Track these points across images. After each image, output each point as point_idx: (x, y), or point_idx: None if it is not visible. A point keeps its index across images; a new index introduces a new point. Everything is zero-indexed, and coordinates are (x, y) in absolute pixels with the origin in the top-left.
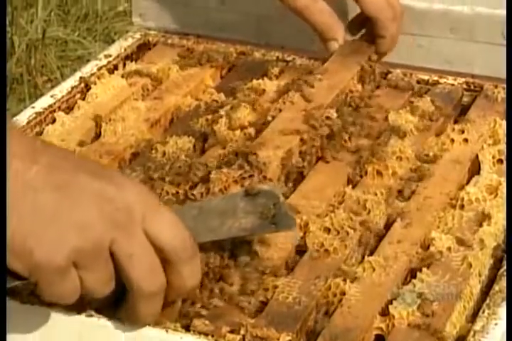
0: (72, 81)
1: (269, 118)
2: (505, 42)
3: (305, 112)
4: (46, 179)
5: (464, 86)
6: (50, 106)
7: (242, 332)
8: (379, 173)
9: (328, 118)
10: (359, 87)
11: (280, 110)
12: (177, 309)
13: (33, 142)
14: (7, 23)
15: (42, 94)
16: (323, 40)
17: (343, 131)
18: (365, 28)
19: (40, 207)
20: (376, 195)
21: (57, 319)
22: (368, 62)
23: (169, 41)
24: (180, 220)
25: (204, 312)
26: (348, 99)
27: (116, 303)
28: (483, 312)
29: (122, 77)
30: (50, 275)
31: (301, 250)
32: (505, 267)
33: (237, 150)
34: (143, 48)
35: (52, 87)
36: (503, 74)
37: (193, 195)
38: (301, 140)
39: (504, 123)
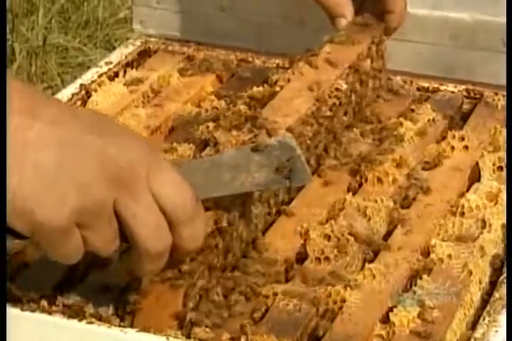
0: (72, 88)
1: (278, 88)
2: (505, 49)
3: (314, 83)
4: (48, 137)
5: (464, 93)
6: None
7: (243, 339)
8: (379, 180)
9: (337, 89)
10: (368, 62)
11: (289, 80)
12: (183, 268)
13: (35, 96)
14: (8, 30)
15: None
16: (331, 17)
17: (343, 137)
18: (372, 4)
19: (41, 166)
20: (376, 202)
21: (58, 326)
22: (377, 39)
23: (170, 48)
24: (190, 175)
25: (205, 319)
26: (357, 74)
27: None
28: (484, 319)
29: (124, 84)
30: (52, 235)
31: (301, 257)
32: (505, 274)
33: (246, 115)
34: (143, 55)
35: (53, 93)
36: (504, 82)
37: (201, 157)
38: (310, 110)
39: (504, 130)
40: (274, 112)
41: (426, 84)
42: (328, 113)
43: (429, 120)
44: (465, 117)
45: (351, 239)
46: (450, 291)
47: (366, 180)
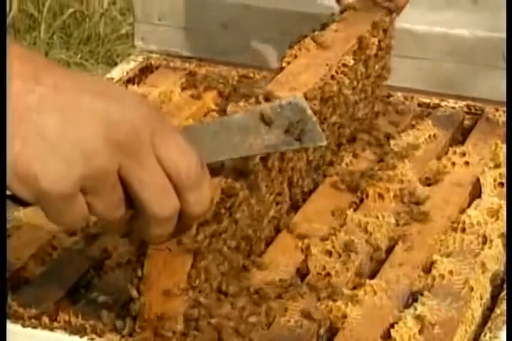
0: None
1: (284, 64)
2: (505, 65)
3: (321, 59)
4: (50, 101)
5: (465, 109)
6: None
7: None
8: (380, 196)
9: (344, 65)
10: (375, 39)
11: (295, 56)
12: (191, 232)
13: (37, 61)
14: None
15: None
16: None
17: (344, 154)
18: None
19: (43, 132)
20: (377, 217)
21: None
22: (384, 16)
23: (171, 64)
24: (197, 139)
25: (206, 335)
26: (364, 50)
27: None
28: (485, 335)
29: None
30: (57, 202)
31: (303, 273)
32: (505, 290)
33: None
34: (145, 71)
35: None
36: (504, 98)
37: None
38: (317, 85)
39: (505, 146)
40: (281, 85)
41: (427, 100)
42: (335, 87)
43: (430, 136)
44: (466, 133)
45: (352, 254)
46: (451, 307)
47: (367, 195)
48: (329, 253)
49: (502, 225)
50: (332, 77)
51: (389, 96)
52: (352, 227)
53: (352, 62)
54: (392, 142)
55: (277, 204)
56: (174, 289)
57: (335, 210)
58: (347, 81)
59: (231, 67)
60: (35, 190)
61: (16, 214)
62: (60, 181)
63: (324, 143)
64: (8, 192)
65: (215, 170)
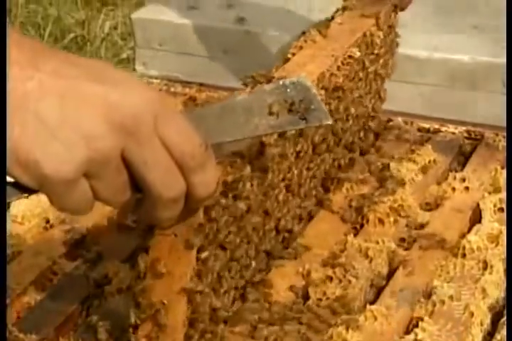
0: None
1: (290, 55)
2: (505, 90)
3: (327, 50)
4: (49, 87)
5: (465, 134)
6: None
7: None
8: (380, 221)
9: (350, 56)
10: (380, 33)
11: (301, 47)
12: (197, 217)
13: (35, 47)
14: None
15: None
16: None
17: (346, 181)
18: None
19: (43, 117)
20: (378, 243)
21: None
22: (389, 11)
23: (172, 89)
24: (201, 121)
25: None
26: (369, 42)
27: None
28: None
29: None
30: (60, 188)
31: (303, 298)
32: (506, 316)
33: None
34: None
35: None
36: (504, 123)
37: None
38: (323, 74)
39: (505, 171)
40: (288, 74)
41: (427, 125)
42: (341, 79)
43: (430, 161)
44: (466, 158)
45: (353, 280)
46: (452, 333)
47: (367, 221)
48: (330, 279)
49: (502, 251)
50: (338, 68)
51: (389, 120)
52: (352, 252)
53: (358, 54)
54: (392, 167)
55: (287, 190)
56: (180, 273)
57: (335, 235)
58: (353, 72)
59: (231, 92)
60: (38, 175)
61: (16, 240)
62: (62, 166)
63: (330, 121)
64: (10, 179)
65: (220, 151)
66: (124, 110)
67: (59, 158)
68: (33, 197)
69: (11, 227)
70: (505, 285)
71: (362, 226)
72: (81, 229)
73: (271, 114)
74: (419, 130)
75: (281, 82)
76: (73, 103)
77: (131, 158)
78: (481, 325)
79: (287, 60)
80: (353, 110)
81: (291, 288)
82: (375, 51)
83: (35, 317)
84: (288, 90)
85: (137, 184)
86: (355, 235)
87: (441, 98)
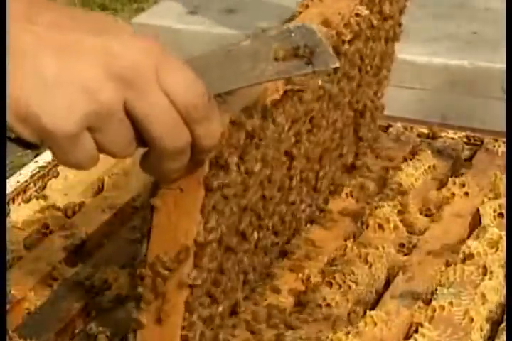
0: None
1: (296, 13)
2: (505, 96)
3: (334, 8)
4: (47, 40)
5: (465, 139)
6: (54, 160)
7: None
8: (380, 227)
9: (357, 15)
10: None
11: (307, 6)
12: (204, 168)
13: (33, 1)
14: None
15: None
16: None
17: (345, 186)
18: None
19: (42, 71)
20: (378, 248)
21: None
22: None
23: None
24: (205, 69)
25: None
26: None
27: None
28: None
29: None
30: (62, 142)
31: (303, 303)
32: (505, 321)
33: None
34: None
35: None
36: (503, 128)
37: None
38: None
39: (505, 177)
40: None
41: (426, 131)
42: (349, 36)
43: (429, 166)
44: (465, 164)
45: (353, 285)
46: (452, 339)
47: (367, 226)
48: (330, 284)
49: (502, 256)
50: (345, 25)
51: (388, 126)
52: (352, 258)
53: (365, 12)
54: (391, 172)
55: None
56: (187, 229)
57: (335, 241)
58: (360, 31)
59: None
60: (39, 130)
61: (16, 246)
62: (65, 121)
63: (337, 64)
64: (12, 135)
65: (224, 100)
66: (123, 61)
67: (59, 113)
68: (33, 203)
69: (11, 233)
70: (505, 290)
71: (362, 231)
72: (81, 235)
73: (276, 59)
74: (419, 135)
75: (285, 27)
76: (72, 56)
77: (133, 111)
78: (481, 330)
79: (293, 17)
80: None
81: (291, 293)
82: (383, 10)
83: (35, 323)
84: (292, 35)
85: (142, 136)
86: (354, 241)
87: (440, 103)
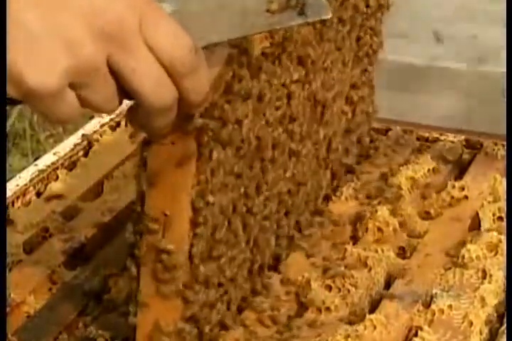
0: (74, 138)
1: None
2: (504, 99)
3: None
4: None
5: (464, 143)
6: (53, 163)
7: None
8: (380, 230)
9: None
10: None
11: None
12: (193, 124)
13: None
14: None
15: (44, 149)
16: None
17: (343, 188)
18: None
19: (26, 28)
20: (377, 252)
21: None
22: None
23: None
24: (193, 20)
25: None
26: None
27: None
28: None
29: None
30: (45, 99)
31: (303, 307)
32: (505, 325)
33: None
34: None
35: (55, 142)
36: (503, 131)
37: None
38: None
39: (504, 180)
40: None
41: (426, 134)
42: None
43: (429, 170)
44: (465, 167)
45: (352, 289)
46: None
47: (366, 229)
48: (329, 288)
49: (501, 260)
50: None
51: (388, 129)
52: (351, 262)
53: None
54: (391, 176)
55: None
56: (182, 183)
57: (334, 244)
58: None
59: None
60: (22, 88)
61: (15, 249)
62: (47, 77)
63: (329, 15)
64: None
65: (213, 53)
66: (107, 16)
67: (42, 69)
68: (32, 206)
69: (10, 236)
70: (504, 294)
71: (361, 235)
72: (80, 238)
73: (268, 10)
74: (418, 139)
75: None
76: (55, 11)
77: (117, 67)
78: (480, 334)
79: None
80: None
81: (290, 296)
82: None
83: (35, 327)
84: None
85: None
86: (354, 244)
87: (440, 107)
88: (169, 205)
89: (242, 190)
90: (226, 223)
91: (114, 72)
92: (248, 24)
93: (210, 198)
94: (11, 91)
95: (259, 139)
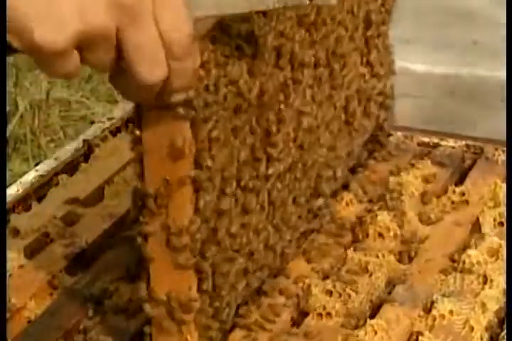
0: (75, 143)
1: None
2: (504, 104)
3: None
4: None
5: (465, 148)
6: (54, 168)
7: None
8: (380, 235)
9: None
10: None
11: None
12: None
13: None
14: (11, 84)
15: (45, 154)
16: None
17: (344, 193)
18: None
19: None
20: (378, 257)
21: None
22: None
23: None
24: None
25: None
26: None
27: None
28: None
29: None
30: (50, 56)
31: (303, 312)
32: (505, 330)
33: None
34: None
35: (56, 147)
36: (503, 137)
37: None
38: None
39: (504, 185)
40: None
41: (426, 139)
42: None
43: (429, 175)
44: (465, 172)
45: (353, 294)
46: None
47: (367, 235)
48: (330, 293)
49: (502, 265)
50: None
51: (388, 135)
52: (352, 267)
53: None
54: (391, 181)
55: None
56: (176, 144)
57: (335, 249)
58: None
59: None
60: (29, 42)
61: (16, 255)
62: (56, 36)
63: (335, 2)
64: None
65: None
66: None
67: (53, 28)
68: (33, 212)
69: (11, 242)
70: (505, 299)
71: (362, 240)
72: (81, 244)
73: None
74: (419, 144)
75: None
76: None
77: (123, 38)
78: (481, 339)
79: None
80: None
81: (291, 301)
82: None
83: (36, 332)
84: None
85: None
86: (355, 249)
87: (440, 112)
88: (169, 172)
89: (246, 153)
90: (232, 186)
91: (118, 41)
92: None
93: (209, 162)
94: (14, 41)
95: (261, 96)
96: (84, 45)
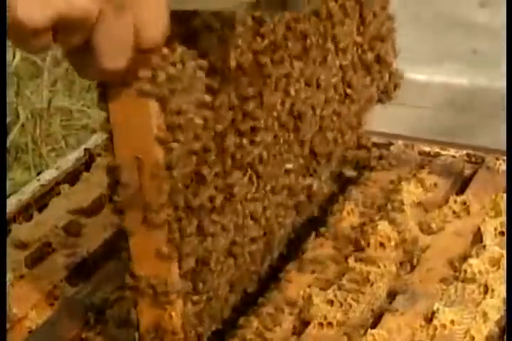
0: (77, 153)
1: None
2: (505, 114)
3: None
4: None
5: (466, 158)
6: (55, 178)
7: None
8: (381, 245)
9: None
10: None
11: None
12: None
13: None
14: (13, 93)
15: (47, 164)
16: None
17: (345, 203)
18: None
19: None
20: (379, 266)
21: None
22: None
23: None
24: None
25: None
26: None
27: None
28: None
29: None
30: (27, 33)
31: (304, 322)
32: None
33: None
34: None
35: (57, 156)
36: (504, 146)
37: None
38: None
39: (505, 195)
40: None
41: (427, 149)
42: None
43: (430, 184)
44: (466, 182)
45: (354, 304)
46: None
47: (368, 244)
48: (331, 303)
49: (503, 274)
50: None
51: (389, 144)
52: (353, 276)
53: None
54: (393, 190)
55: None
56: (147, 123)
57: (336, 259)
58: None
59: None
60: (11, 19)
61: (17, 265)
62: (34, 13)
63: (307, 10)
64: None
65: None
66: None
67: (34, 6)
68: (34, 222)
69: (12, 251)
70: (506, 308)
71: (363, 249)
72: (82, 254)
73: None
74: (420, 153)
75: None
76: None
77: (98, 23)
78: None
79: None
80: None
81: (292, 311)
82: None
83: None
84: None
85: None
86: (356, 259)
87: (441, 122)
88: (139, 148)
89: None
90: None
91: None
92: (236, 1)
93: (180, 136)
94: None
95: (240, 67)
96: (61, 26)
